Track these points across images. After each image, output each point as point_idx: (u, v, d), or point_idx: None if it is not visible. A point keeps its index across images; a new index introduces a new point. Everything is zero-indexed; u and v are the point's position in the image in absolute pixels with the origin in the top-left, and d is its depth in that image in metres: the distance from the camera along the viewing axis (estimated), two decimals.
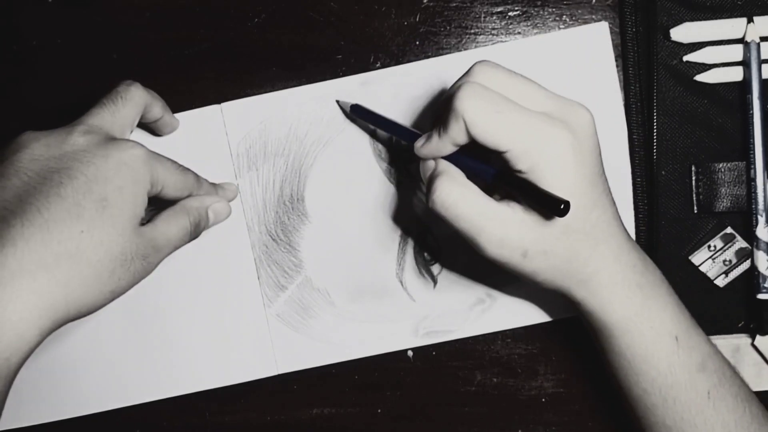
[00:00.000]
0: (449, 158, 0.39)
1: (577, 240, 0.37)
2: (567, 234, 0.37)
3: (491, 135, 0.35)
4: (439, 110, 0.39)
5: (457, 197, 0.37)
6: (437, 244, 0.48)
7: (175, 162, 0.42)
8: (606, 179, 0.39)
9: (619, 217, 0.40)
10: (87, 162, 0.37)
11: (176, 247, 0.42)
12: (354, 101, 0.47)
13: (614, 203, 0.39)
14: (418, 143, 0.39)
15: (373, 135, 0.48)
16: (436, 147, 0.38)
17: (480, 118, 0.35)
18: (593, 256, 0.38)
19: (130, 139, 0.41)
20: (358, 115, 0.46)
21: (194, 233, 0.43)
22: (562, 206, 0.34)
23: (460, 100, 0.35)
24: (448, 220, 0.37)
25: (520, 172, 0.36)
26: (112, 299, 0.38)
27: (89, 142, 0.38)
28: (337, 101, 0.47)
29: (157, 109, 0.44)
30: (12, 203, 0.36)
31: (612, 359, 0.41)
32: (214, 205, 0.45)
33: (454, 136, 0.37)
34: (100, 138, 0.39)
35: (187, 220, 0.43)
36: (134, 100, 0.42)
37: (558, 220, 0.36)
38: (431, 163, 0.39)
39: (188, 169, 0.43)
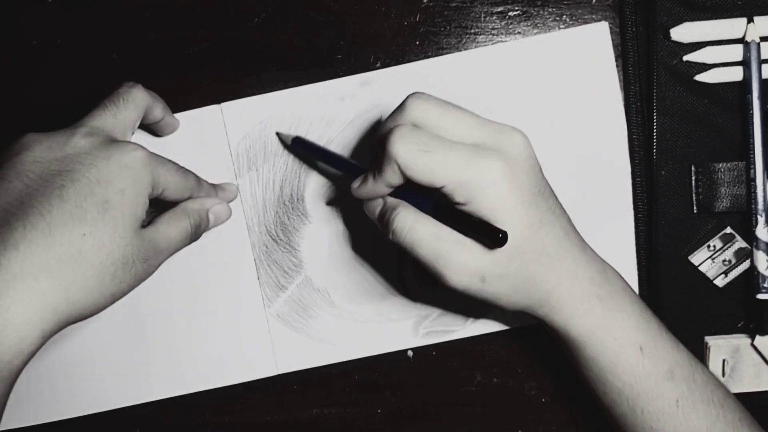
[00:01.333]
0: (391, 194, 0.40)
1: (531, 260, 0.38)
2: (519, 255, 0.37)
3: (424, 174, 0.36)
4: (373, 149, 0.40)
5: (414, 224, 0.37)
6: None
7: (176, 164, 0.42)
8: (551, 196, 0.39)
9: (573, 230, 0.40)
10: (89, 164, 0.37)
11: (177, 249, 0.42)
12: (357, 104, 0.46)
13: (565, 218, 0.40)
14: (355, 185, 0.40)
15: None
16: (372, 189, 0.39)
17: (412, 159, 0.36)
18: (549, 273, 0.38)
19: (132, 141, 0.41)
20: (300, 147, 0.47)
21: (194, 235, 0.44)
22: (500, 235, 0.35)
23: (391, 144, 0.36)
24: (408, 248, 0.38)
25: (459, 204, 0.36)
26: (113, 302, 0.38)
27: (91, 144, 0.38)
28: (277, 133, 0.47)
29: (158, 110, 0.44)
30: (14, 206, 0.36)
31: (580, 371, 0.42)
32: (214, 207, 0.45)
33: (388, 179, 0.37)
34: (101, 140, 0.39)
35: (187, 223, 0.43)
36: (135, 102, 0.42)
37: (508, 244, 0.36)
38: (378, 201, 0.40)
39: (189, 171, 0.43)
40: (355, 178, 0.41)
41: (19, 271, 0.34)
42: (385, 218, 0.39)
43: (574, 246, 0.39)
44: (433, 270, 0.38)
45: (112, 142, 0.39)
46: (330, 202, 0.48)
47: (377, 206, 0.40)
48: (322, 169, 0.48)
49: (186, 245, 0.43)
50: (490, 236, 0.35)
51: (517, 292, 0.38)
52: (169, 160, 0.42)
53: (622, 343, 0.39)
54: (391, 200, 0.39)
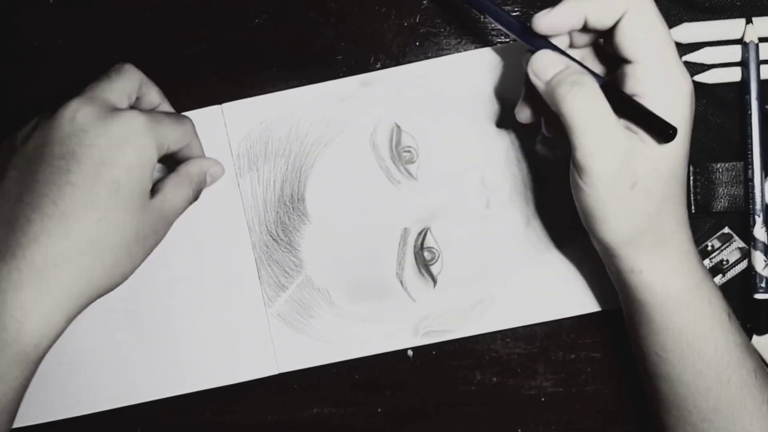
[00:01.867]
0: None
1: (671, 192, 0.36)
2: (670, 179, 0.36)
3: (640, 41, 0.35)
4: None
5: (600, 103, 0.35)
6: (437, 244, 0.48)
7: (172, 114, 0.42)
8: None
9: None
10: (89, 145, 0.38)
11: (180, 214, 0.43)
12: (357, 105, 0.46)
13: None
14: (541, 13, 0.37)
15: (373, 133, 0.48)
16: (563, 16, 0.36)
17: (646, 16, 0.35)
18: (673, 217, 0.37)
19: (128, 109, 0.41)
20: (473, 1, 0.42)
21: (195, 198, 0.45)
22: (670, 131, 0.34)
23: None
24: (575, 123, 0.35)
25: (636, 95, 0.35)
26: (130, 275, 0.40)
27: (87, 117, 0.38)
28: None
29: (154, 93, 0.44)
30: (27, 195, 0.37)
31: (665, 341, 0.39)
32: (211, 169, 0.46)
33: (598, 9, 0.35)
34: (98, 110, 0.39)
35: (190, 189, 0.44)
36: (128, 73, 0.42)
37: (672, 162, 0.35)
38: (558, 60, 0.36)
39: (182, 116, 0.43)
40: (526, 41, 0.39)
41: (43, 263, 0.36)
42: (570, 78, 0.35)
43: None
44: (587, 149, 0.35)
45: (109, 112, 0.39)
46: (330, 202, 0.48)
47: (555, 64, 0.36)
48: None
49: (187, 208, 0.44)
50: (660, 129, 0.34)
51: (645, 219, 0.36)
52: (165, 114, 0.42)
53: (717, 307, 0.38)
54: (577, 67, 0.36)
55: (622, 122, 0.36)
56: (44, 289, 0.36)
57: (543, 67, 0.37)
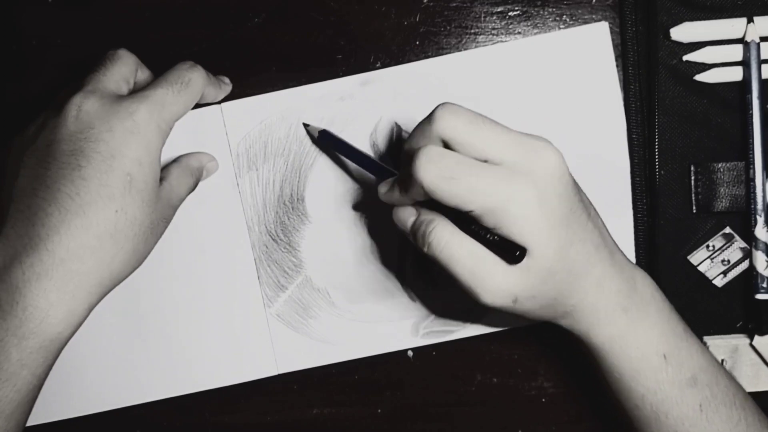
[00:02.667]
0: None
1: (560, 280, 0.37)
2: (551, 276, 0.37)
3: (451, 199, 0.35)
4: (405, 155, 0.39)
5: (452, 239, 0.37)
6: None
7: (173, 85, 0.42)
8: (584, 210, 0.38)
9: (603, 242, 0.39)
10: (95, 140, 0.39)
11: (183, 201, 0.45)
12: (357, 104, 0.46)
13: (596, 231, 0.39)
14: (382, 189, 0.40)
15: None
16: (398, 200, 0.39)
17: (438, 186, 0.35)
18: (575, 290, 0.38)
19: (129, 97, 0.41)
20: (326, 141, 0.46)
21: (194, 188, 0.46)
22: (517, 253, 0.35)
23: (417, 168, 0.35)
24: (444, 263, 0.37)
25: (488, 228, 0.36)
26: (143, 261, 0.42)
27: (89, 112, 0.39)
28: (304, 124, 0.47)
29: (147, 75, 0.45)
30: (42, 190, 0.38)
31: (602, 376, 0.42)
32: (208, 164, 0.47)
33: (414, 196, 0.37)
34: (99, 103, 0.40)
35: (192, 180, 0.45)
36: (123, 59, 0.43)
37: (541, 267, 0.36)
38: (411, 211, 0.39)
39: (185, 83, 0.43)
40: (380, 178, 0.41)
41: (65, 254, 0.37)
42: (420, 230, 0.38)
43: (603, 260, 0.39)
44: (467, 287, 0.37)
45: (111, 104, 0.40)
46: (330, 202, 0.48)
47: (410, 216, 0.39)
48: (344, 165, 0.48)
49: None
50: (508, 253, 0.36)
51: (544, 309, 0.38)
52: (166, 89, 0.42)
53: (645, 352, 0.40)
54: (426, 212, 0.39)
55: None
56: (67, 279, 0.37)
57: (400, 220, 0.40)
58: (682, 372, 0.40)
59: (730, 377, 0.42)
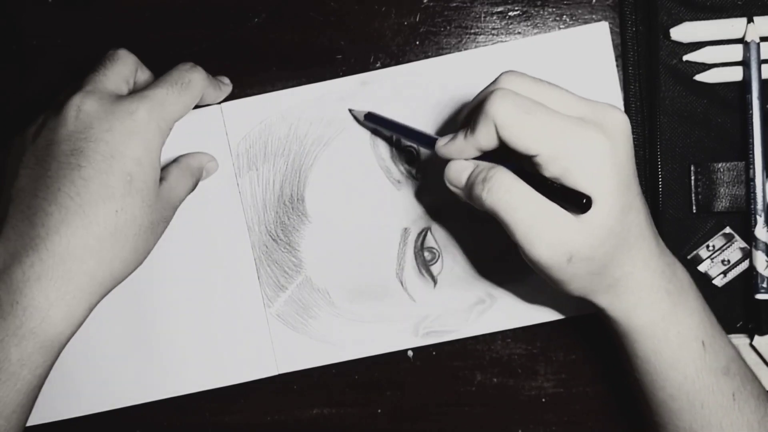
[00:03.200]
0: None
1: (615, 245, 0.37)
2: (609, 238, 0.36)
3: (522, 137, 0.35)
4: (464, 116, 0.39)
5: (514, 184, 0.36)
6: (437, 244, 0.48)
7: (173, 85, 0.42)
8: (638, 181, 0.38)
9: (651, 220, 0.39)
10: (96, 140, 0.39)
11: (182, 201, 0.45)
12: (357, 104, 0.47)
13: (647, 205, 0.39)
14: (441, 142, 0.39)
15: (375, 133, 0.48)
16: (459, 148, 0.38)
17: (510, 120, 0.35)
18: (625, 260, 0.37)
19: (129, 97, 0.41)
20: (372, 122, 0.46)
21: (194, 188, 0.46)
22: (584, 201, 0.34)
23: (490, 103, 0.35)
24: (502, 210, 0.36)
25: (552, 179, 0.35)
26: (143, 261, 0.42)
27: (89, 113, 0.39)
28: (350, 110, 0.47)
29: (147, 75, 0.45)
30: (42, 190, 0.38)
31: (637, 364, 0.40)
32: (207, 164, 0.47)
33: (480, 140, 0.36)
34: (99, 104, 0.40)
35: (191, 181, 0.45)
36: (123, 59, 0.43)
37: (603, 225, 0.35)
38: (466, 164, 0.38)
39: (185, 83, 0.43)
40: (431, 149, 0.40)
41: (65, 253, 0.37)
42: (480, 176, 0.36)
43: (652, 236, 0.39)
44: (523, 238, 0.36)
45: (111, 104, 0.40)
46: (330, 202, 0.48)
47: (466, 169, 0.38)
48: (382, 137, 0.48)
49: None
50: (575, 201, 0.34)
51: (592, 276, 0.37)
52: (166, 89, 0.41)
53: (686, 337, 0.39)
54: (485, 163, 0.37)
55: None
56: (67, 278, 0.37)
57: (455, 175, 0.39)
58: (718, 360, 0.39)
59: (753, 372, 0.42)
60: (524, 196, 0.36)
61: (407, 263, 0.48)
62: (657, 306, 0.39)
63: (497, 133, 0.35)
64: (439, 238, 0.48)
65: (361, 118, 0.47)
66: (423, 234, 0.48)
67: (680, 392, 0.39)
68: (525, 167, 0.36)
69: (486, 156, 0.38)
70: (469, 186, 0.37)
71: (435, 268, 0.48)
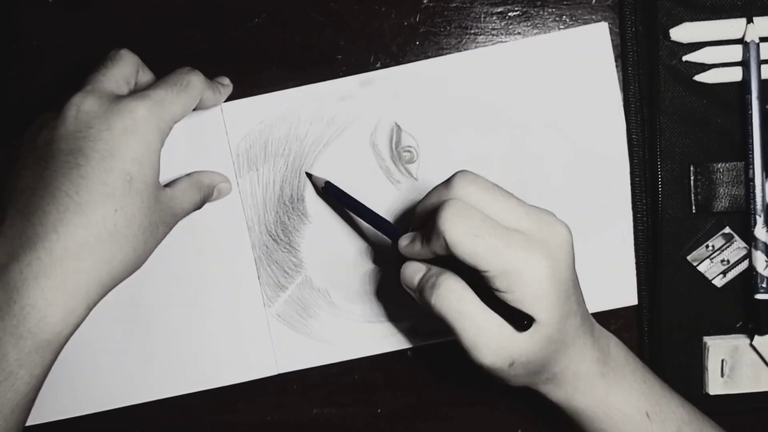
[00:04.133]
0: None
1: (554, 349, 0.38)
2: (548, 345, 0.38)
3: (471, 257, 0.36)
4: (419, 213, 0.40)
5: (463, 294, 0.37)
6: None
7: (172, 86, 0.42)
8: (578, 284, 0.39)
9: (587, 314, 0.41)
10: (94, 138, 0.38)
11: (186, 215, 0.45)
12: (357, 104, 0.45)
13: (583, 304, 0.40)
14: (403, 242, 0.40)
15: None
16: (418, 252, 0.39)
17: (460, 240, 0.36)
18: (561, 359, 0.39)
19: (129, 96, 0.41)
20: (330, 194, 0.47)
21: (200, 205, 0.46)
22: (525, 322, 0.36)
23: (442, 221, 0.36)
24: (450, 317, 0.37)
25: (496, 289, 0.36)
26: (143, 264, 0.41)
27: (88, 112, 0.39)
28: (307, 173, 0.48)
29: (149, 77, 0.45)
30: (40, 189, 0.38)
31: None
32: (220, 185, 0.47)
33: (435, 249, 0.37)
34: (98, 103, 0.39)
35: (198, 196, 0.45)
36: (124, 59, 0.43)
37: (543, 335, 0.37)
38: (420, 266, 0.40)
39: (184, 78, 0.43)
40: (387, 234, 0.43)
41: (64, 253, 0.37)
42: (429, 282, 0.38)
43: (586, 331, 0.40)
44: (468, 344, 0.37)
45: (110, 103, 0.40)
46: (330, 202, 0.48)
47: (418, 272, 0.40)
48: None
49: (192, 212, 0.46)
50: (517, 319, 0.36)
51: (530, 375, 0.39)
52: (166, 89, 0.41)
53: (628, 413, 0.40)
54: (436, 268, 0.39)
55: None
56: (65, 278, 0.37)
57: (408, 277, 0.40)
58: (666, 428, 0.41)
59: (715, 425, 0.42)
60: (471, 306, 0.37)
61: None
62: (594, 390, 0.40)
63: (447, 247, 0.36)
64: None
65: (321, 185, 0.47)
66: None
67: None
68: (475, 281, 0.38)
69: (442, 258, 0.39)
70: (420, 289, 0.39)
71: None
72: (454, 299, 0.37)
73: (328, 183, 0.47)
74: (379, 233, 0.44)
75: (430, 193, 0.39)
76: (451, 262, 0.38)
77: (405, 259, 0.41)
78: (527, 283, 0.36)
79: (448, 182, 0.38)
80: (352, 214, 0.48)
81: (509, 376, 0.38)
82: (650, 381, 0.42)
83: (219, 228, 0.48)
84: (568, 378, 0.40)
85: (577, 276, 0.39)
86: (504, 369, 0.38)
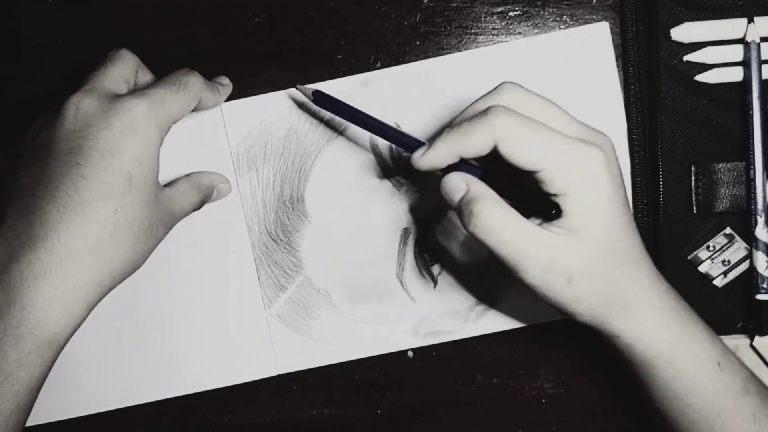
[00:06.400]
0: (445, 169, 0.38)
1: (617, 263, 0.36)
2: (609, 256, 0.36)
3: (525, 152, 0.34)
4: (454, 125, 0.37)
5: (502, 222, 0.35)
6: (437, 244, 0.48)
7: (171, 86, 0.42)
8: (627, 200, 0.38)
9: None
10: (93, 137, 0.38)
11: (185, 215, 0.44)
12: (357, 104, 0.43)
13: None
14: (418, 154, 0.38)
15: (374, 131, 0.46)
16: (438, 157, 0.37)
17: (514, 134, 0.34)
18: (631, 281, 0.37)
19: (128, 95, 0.41)
20: (322, 105, 0.44)
21: (199, 206, 0.46)
22: (553, 212, 0.34)
23: (495, 116, 0.34)
24: (489, 246, 0.36)
25: (552, 194, 0.35)
26: (142, 264, 0.41)
27: (88, 111, 0.39)
28: (296, 87, 0.44)
29: (149, 77, 0.45)
30: (40, 189, 0.38)
31: (656, 393, 0.39)
32: (220, 185, 0.47)
33: (470, 146, 0.35)
34: (97, 102, 0.39)
35: (198, 197, 0.45)
36: (124, 59, 0.43)
37: (603, 241, 0.35)
38: (461, 184, 0.37)
39: (183, 78, 0.42)
40: (399, 144, 0.40)
41: (64, 253, 0.37)
42: (467, 208, 0.36)
43: (649, 257, 0.38)
44: (516, 268, 0.36)
45: (109, 102, 0.39)
46: (330, 202, 0.48)
47: (459, 190, 0.37)
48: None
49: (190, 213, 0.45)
50: (545, 209, 0.34)
51: (600, 298, 0.36)
52: (164, 89, 0.41)
53: (701, 359, 0.38)
54: (475, 189, 0.37)
55: (537, 224, 0.36)
56: (65, 278, 0.37)
57: (449, 192, 0.38)
58: (735, 381, 0.39)
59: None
60: (514, 232, 0.35)
61: (407, 264, 0.48)
62: (671, 328, 0.38)
63: (494, 145, 0.35)
64: (440, 238, 0.48)
65: (309, 96, 0.43)
66: (423, 234, 0.48)
67: (701, 418, 0.38)
68: (493, 171, 0.36)
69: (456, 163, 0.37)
70: (459, 210, 0.37)
71: (435, 269, 0.48)
72: (493, 228, 0.35)
73: (317, 92, 0.43)
74: (379, 233, 0.44)
75: (471, 104, 0.37)
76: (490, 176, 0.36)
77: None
78: (588, 179, 0.34)
79: (494, 90, 0.37)
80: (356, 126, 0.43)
81: (572, 298, 0.36)
82: (713, 331, 0.39)
83: (219, 228, 0.48)
84: (643, 310, 0.37)
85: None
86: (562, 287, 0.35)
